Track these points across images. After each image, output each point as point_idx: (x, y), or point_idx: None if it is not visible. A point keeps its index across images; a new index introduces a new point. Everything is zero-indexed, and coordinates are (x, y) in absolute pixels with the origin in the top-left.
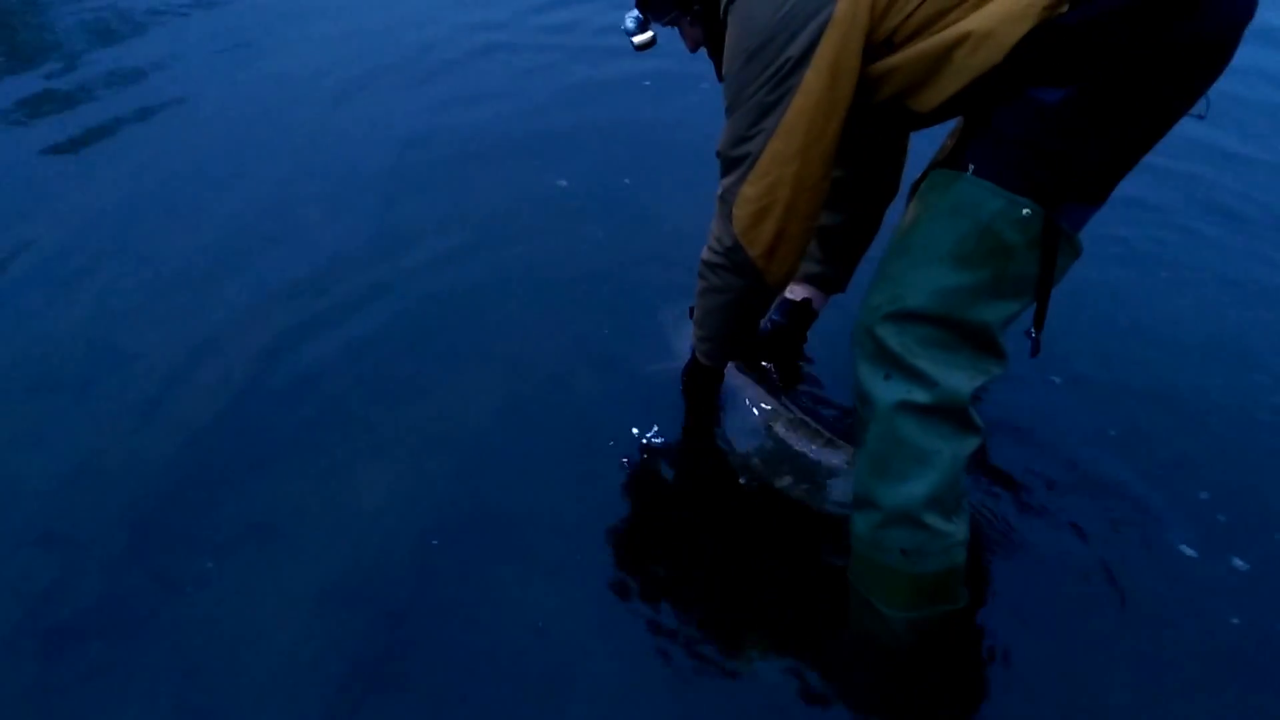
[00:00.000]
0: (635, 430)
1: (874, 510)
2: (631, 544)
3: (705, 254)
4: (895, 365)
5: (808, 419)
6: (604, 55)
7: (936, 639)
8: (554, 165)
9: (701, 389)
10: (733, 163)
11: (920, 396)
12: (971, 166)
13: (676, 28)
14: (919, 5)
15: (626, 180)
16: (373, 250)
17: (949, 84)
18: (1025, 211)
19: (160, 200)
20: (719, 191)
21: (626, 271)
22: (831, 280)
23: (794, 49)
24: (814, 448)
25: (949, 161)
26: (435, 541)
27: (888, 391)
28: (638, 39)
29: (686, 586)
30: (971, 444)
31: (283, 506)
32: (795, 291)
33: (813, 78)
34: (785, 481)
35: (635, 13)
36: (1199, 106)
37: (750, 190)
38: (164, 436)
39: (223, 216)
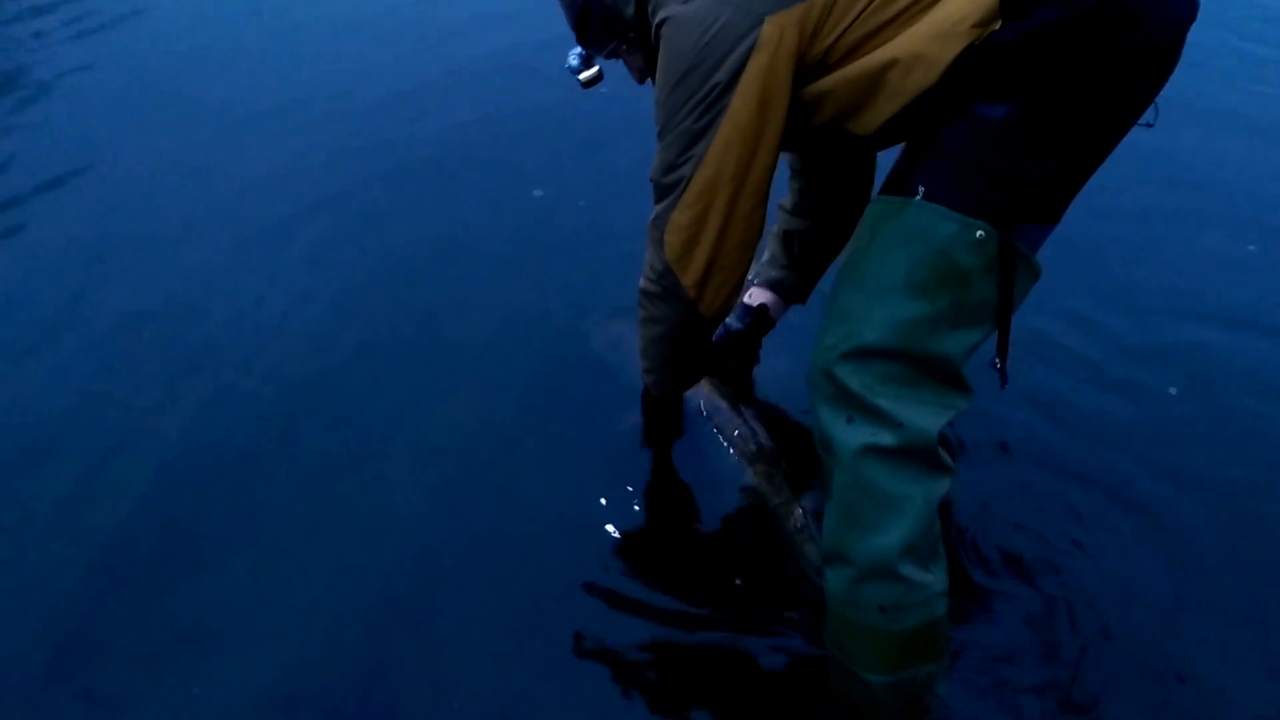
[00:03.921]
0: (600, 492)
1: (846, 565)
2: (597, 593)
3: (642, 282)
4: (857, 407)
5: (762, 446)
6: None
7: (921, 703)
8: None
9: (660, 419)
10: (664, 189)
11: (886, 439)
12: (921, 190)
13: (620, 59)
14: (850, 25)
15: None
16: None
17: (886, 106)
18: (980, 234)
19: (66, 272)
20: (651, 218)
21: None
22: (792, 289)
23: (720, 74)
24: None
25: (895, 186)
26: (383, 628)
27: (851, 436)
28: (583, 75)
29: (653, 659)
30: (943, 485)
31: (213, 606)
32: (754, 296)
33: (740, 103)
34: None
35: (578, 49)
36: (1148, 115)
37: (680, 218)
38: (79, 539)
39: (142, 278)
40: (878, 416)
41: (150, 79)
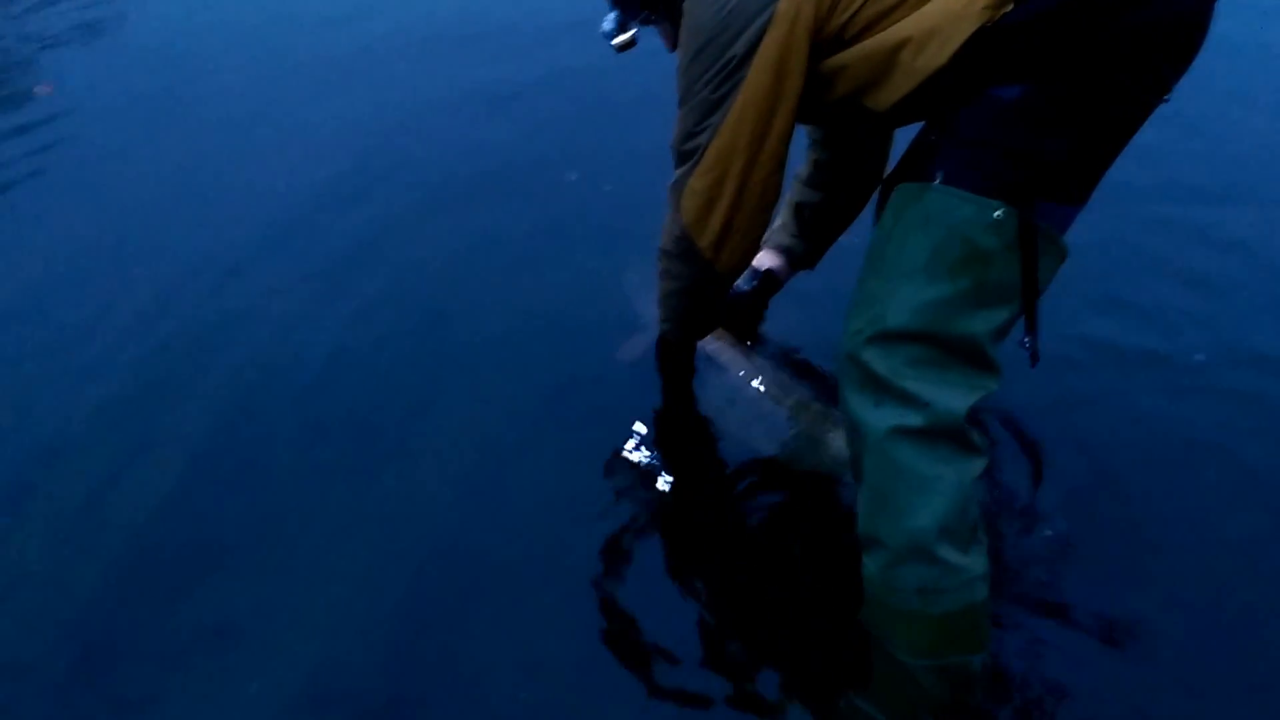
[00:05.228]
0: (617, 426)
1: (882, 549)
2: (626, 586)
3: (661, 242)
4: (884, 390)
5: (780, 380)
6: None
7: (965, 692)
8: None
9: (674, 365)
10: (682, 156)
11: (913, 420)
12: (939, 174)
13: (653, 26)
14: (865, 2)
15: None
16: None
17: (901, 83)
18: (997, 214)
19: (81, 271)
20: (671, 182)
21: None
22: (801, 256)
23: (738, 46)
24: (787, 408)
25: (915, 173)
26: (412, 626)
27: (879, 418)
28: (617, 40)
29: (684, 626)
30: (976, 466)
31: (239, 606)
32: (763, 260)
33: (756, 74)
34: (774, 446)
35: (613, 13)
36: None
37: (697, 183)
38: (104, 539)
39: (163, 276)
40: (905, 398)
41: (163, 83)
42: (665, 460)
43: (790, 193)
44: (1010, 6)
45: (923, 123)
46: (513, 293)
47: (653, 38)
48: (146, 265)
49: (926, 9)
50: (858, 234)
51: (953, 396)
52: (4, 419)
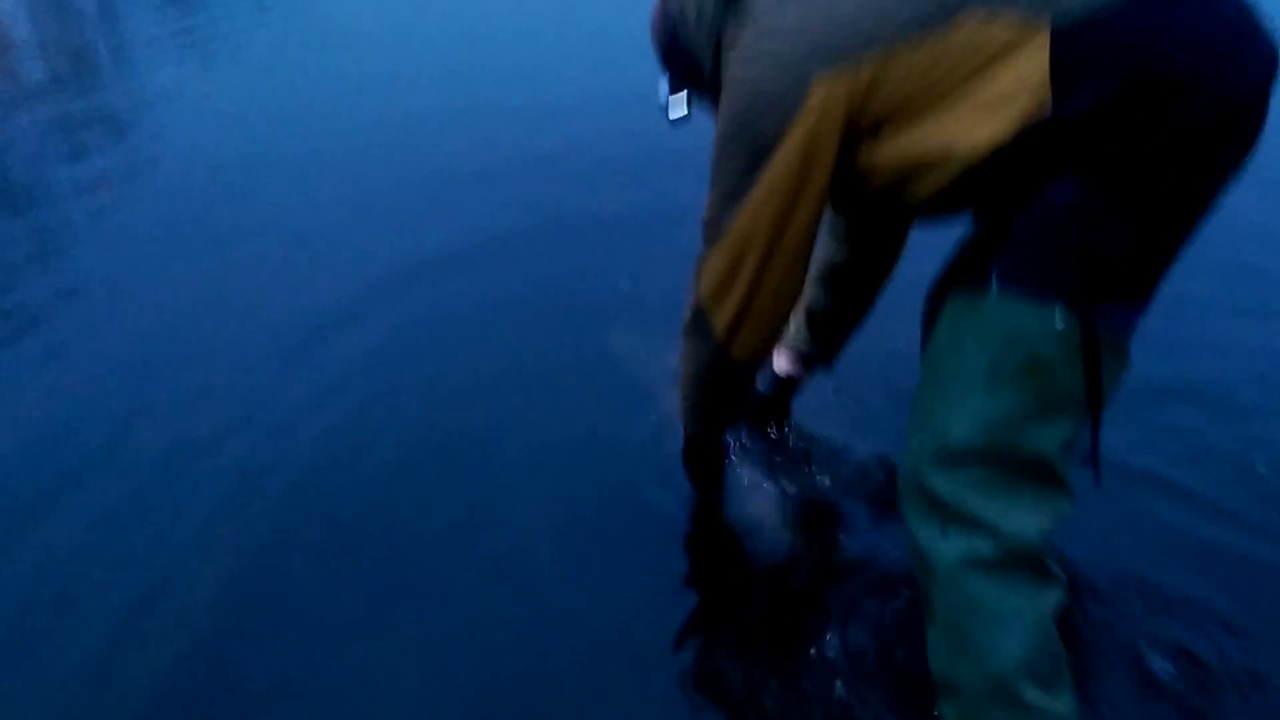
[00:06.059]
0: (654, 545)
1: (959, 695)
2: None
3: (683, 318)
4: (951, 517)
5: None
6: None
7: None
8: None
9: (701, 463)
10: (707, 233)
11: (985, 549)
12: (994, 280)
13: (702, 101)
14: (899, 94)
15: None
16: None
17: (938, 177)
18: (1058, 320)
19: (114, 396)
20: (697, 255)
21: None
22: (816, 358)
23: (766, 132)
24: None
25: (967, 280)
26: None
27: (947, 549)
28: (672, 114)
29: None
30: (1055, 597)
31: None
32: (779, 364)
33: (782, 161)
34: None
35: (666, 84)
36: None
37: (716, 262)
38: (120, 697)
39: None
40: (973, 525)
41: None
42: (707, 573)
43: (802, 297)
44: (1051, 102)
45: (957, 218)
46: (553, 407)
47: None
48: (167, 390)
49: (964, 102)
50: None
51: (1024, 520)
52: (15, 565)
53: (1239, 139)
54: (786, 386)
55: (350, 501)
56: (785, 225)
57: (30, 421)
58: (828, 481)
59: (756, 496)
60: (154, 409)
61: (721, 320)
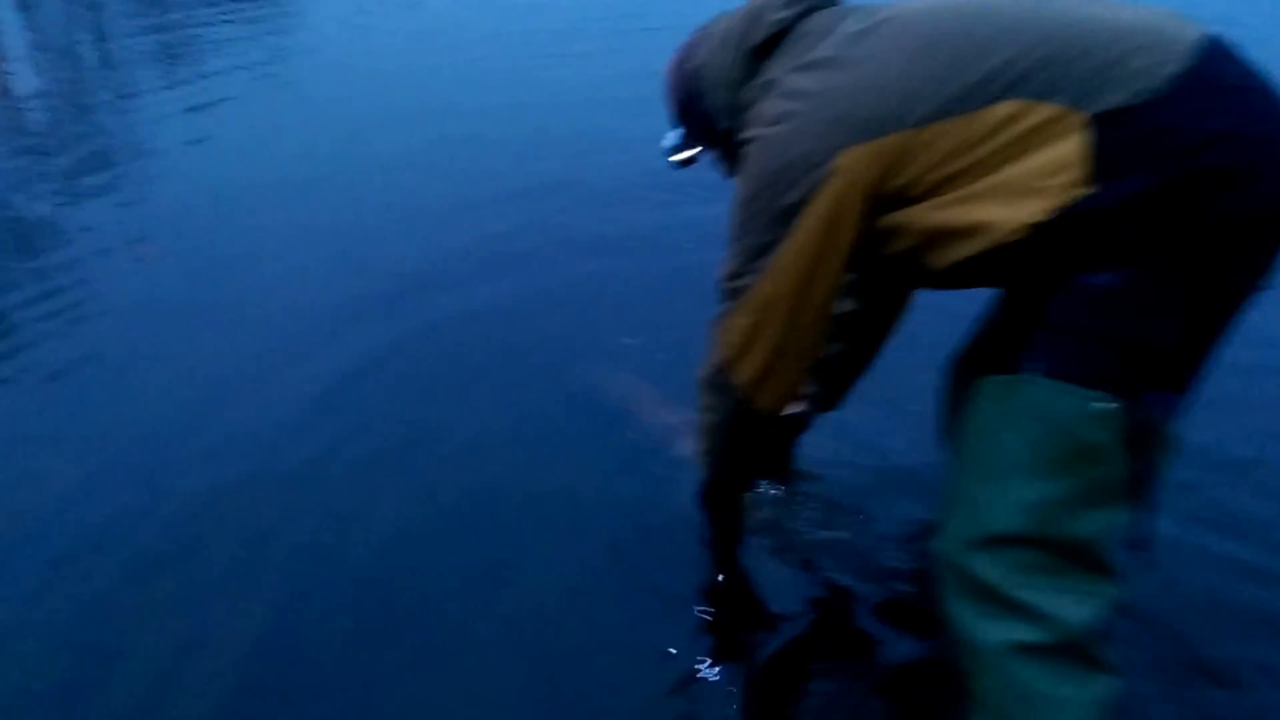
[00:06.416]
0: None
1: None
2: None
3: (701, 371)
4: (995, 600)
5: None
6: None
7: None
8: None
9: (719, 509)
10: (727, 293)
11: (1032, 635)
12: (1031, 364)
13: (713, 153)
14: (928, 166)
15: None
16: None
17: (961, 249)
18: (1100, 406)
19: (127, 464)
20: (715, 315)
21: None
22: (823, 400)
23: (792, 195)
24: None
25: (1001, 364)
26: None
27: (992, 634)
28: (676, 157)
29: None
30: (1105, 685)
31: None
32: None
33: (807, 224)
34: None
35: (677, 131)
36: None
37: (738, 322)
38: None
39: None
40: (1020, 611)
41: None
42: (728, 627)
43: None
44: (1090, 189)
45: (973, 288)
46: (559, 457)
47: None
48: (189, 444)
49: (996, 179)
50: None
51: (1073, 607)
52: (50, 618)
53: (1276, 237)
54: (794, 427)
55: (367, 557)
56: (809, 287)
57: (61, 475)
58: (848, 535)
59: (775, 546)
60: (175, 463)
61: (744, 377)
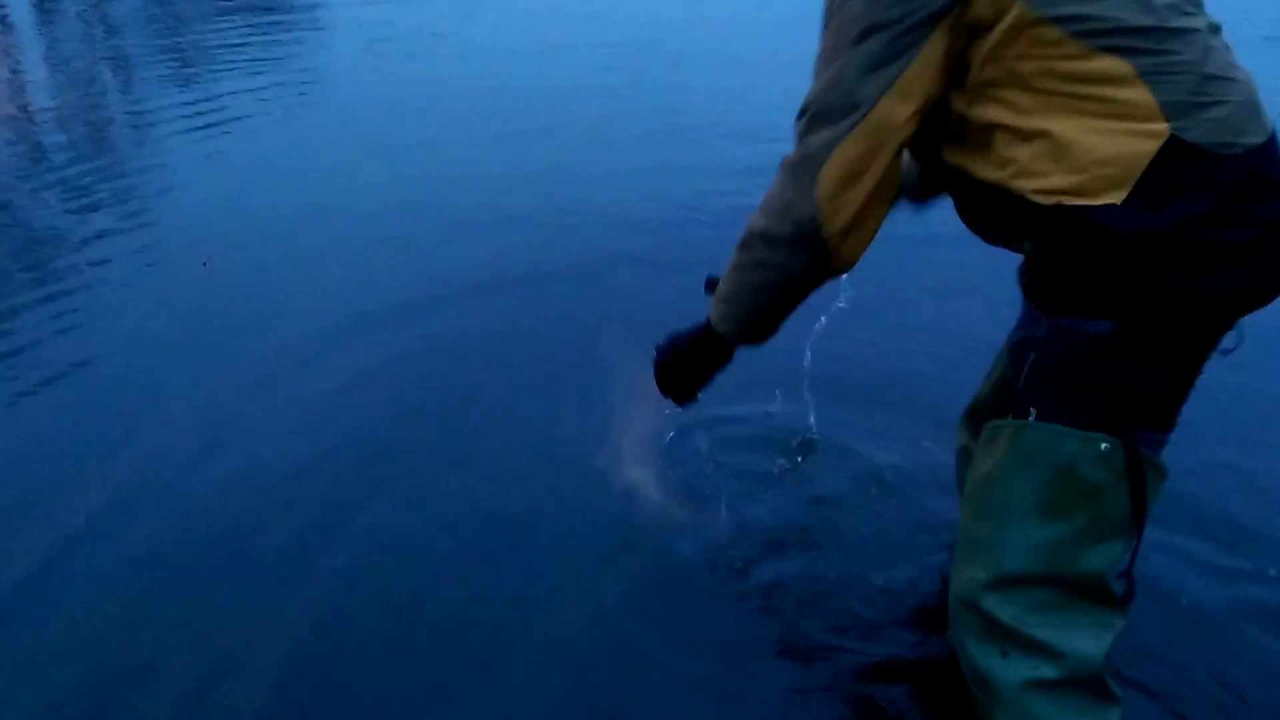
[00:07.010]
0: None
1: None
2: None
3: (761, 223)
4: (1010, 639)
5: None
6: None
7: None
8: None
9: (707, 363)
10: (833, 114)
11: (1048, 671)
12: (1033, 411)
13: None
14: (1017, 59)
15: None
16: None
17: (985, 169)
18: (1104, 446)
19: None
20: (798, 152)
21: None
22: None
23: (939, 3)
24: None
25: (1008, 412)
26: None
27: (1010, 671)
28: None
29: None
30: (1115, 716)
31: None
32: None
33: (940, 40)
34: None
35: None
36: (1228, 340)
37: (851, 149)
38: None
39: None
40: (1035, 648)
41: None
42: (762, 654)
43: None
44: (1119, 199)
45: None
46: (588, 481)
47: None
48: (214, 471)
49: (1050, 122)
50: None
51: (1085, 641)
52: (87, 640)
53: (1262, 306)
54: None
55: (401, 582)
56: (918, 115)
57: (90, 503)
58: (870, 573)
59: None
60: (205, 484)
61: (838, 223)
